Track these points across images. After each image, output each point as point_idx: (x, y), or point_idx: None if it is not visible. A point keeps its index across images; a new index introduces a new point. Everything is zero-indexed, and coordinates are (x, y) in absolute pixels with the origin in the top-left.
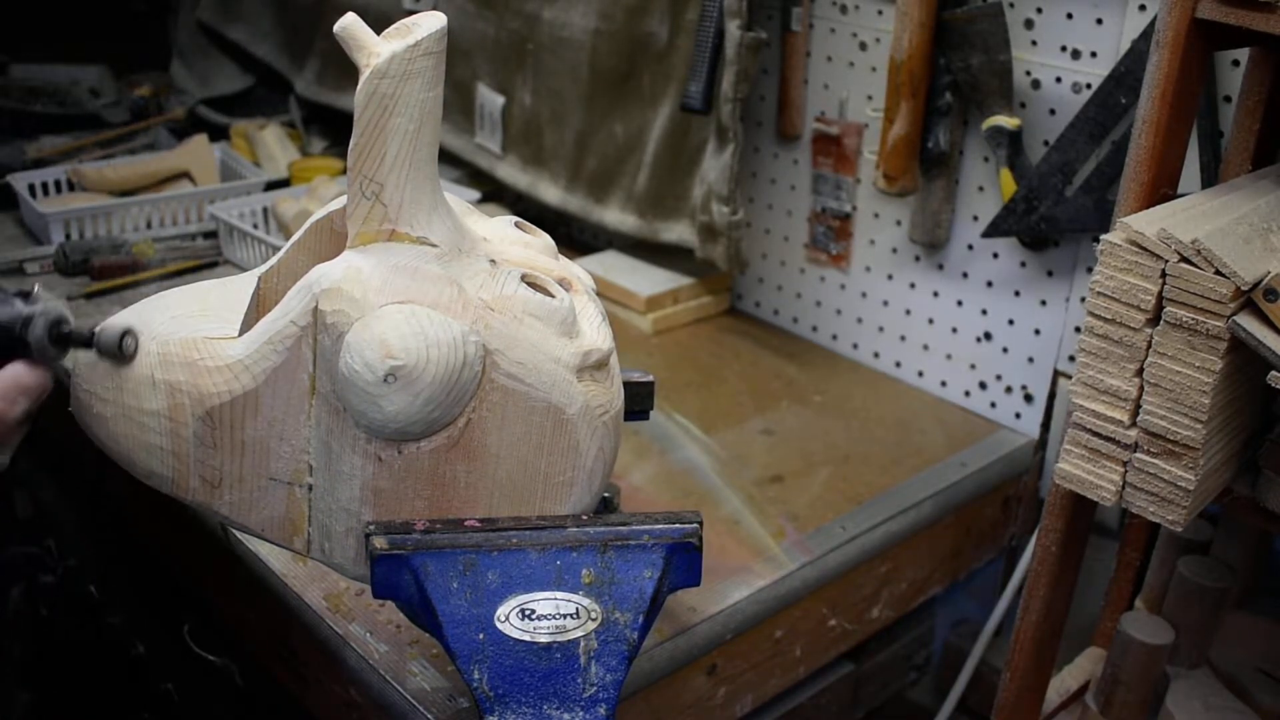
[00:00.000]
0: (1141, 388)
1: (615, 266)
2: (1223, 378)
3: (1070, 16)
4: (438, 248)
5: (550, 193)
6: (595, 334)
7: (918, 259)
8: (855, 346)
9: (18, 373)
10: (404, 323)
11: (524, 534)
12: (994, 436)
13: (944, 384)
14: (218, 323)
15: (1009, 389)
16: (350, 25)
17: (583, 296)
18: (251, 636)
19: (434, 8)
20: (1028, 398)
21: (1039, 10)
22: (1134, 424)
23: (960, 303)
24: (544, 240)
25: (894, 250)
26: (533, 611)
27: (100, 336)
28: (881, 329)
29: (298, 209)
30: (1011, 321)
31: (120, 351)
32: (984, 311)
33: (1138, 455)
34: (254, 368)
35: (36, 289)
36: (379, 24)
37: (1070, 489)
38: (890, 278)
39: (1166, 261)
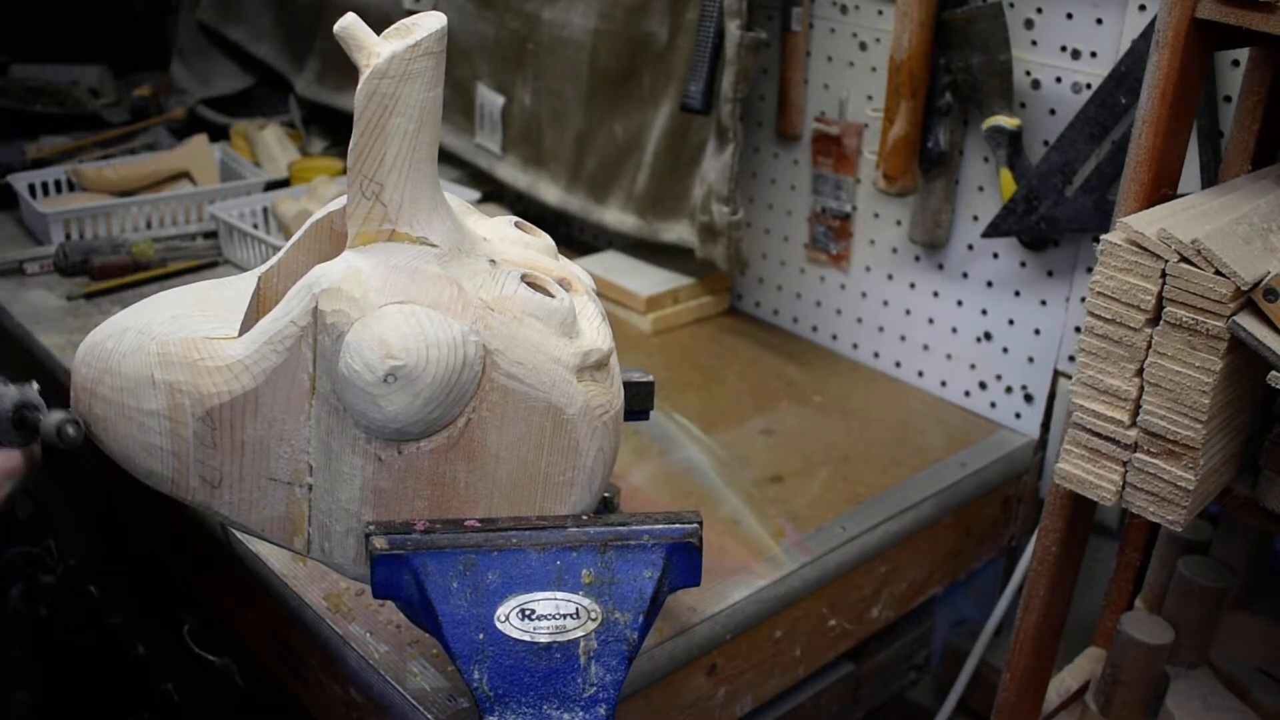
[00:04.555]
0: (1141, 388)
1: (615, 266)
2: (1223, 378)
3: (1070, 16)
4: (438, 248)
5: (550, 193)
6: (595, 334)
7: (918, 259)
8: (855, 346)
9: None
10: (404, 323)
11: (524, 534)
12: (994, 436)
13: (944, 384)
14: (218, 323)
15: (1009, 389)
16: (350, 25)
17: (583, 296)
18: (251, 636)
19: (434, 8)
20: (1028, 398)
21: (1039, 10)
22: (1134, 424)
23: (960, 303)
24: (544, 240)
25: (894, 250)
26: (533, 611)
27: (43, 426)
28: (881, 329)
29: (298, 209)
30: (1011, 321)
31: (59, 438)
32: (984, 311)
33: (1138, 455)
34: (254, 368)
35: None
36: (379, 24)
37: (1070, 489)
38: (890, 278)
39: (1166, 261)
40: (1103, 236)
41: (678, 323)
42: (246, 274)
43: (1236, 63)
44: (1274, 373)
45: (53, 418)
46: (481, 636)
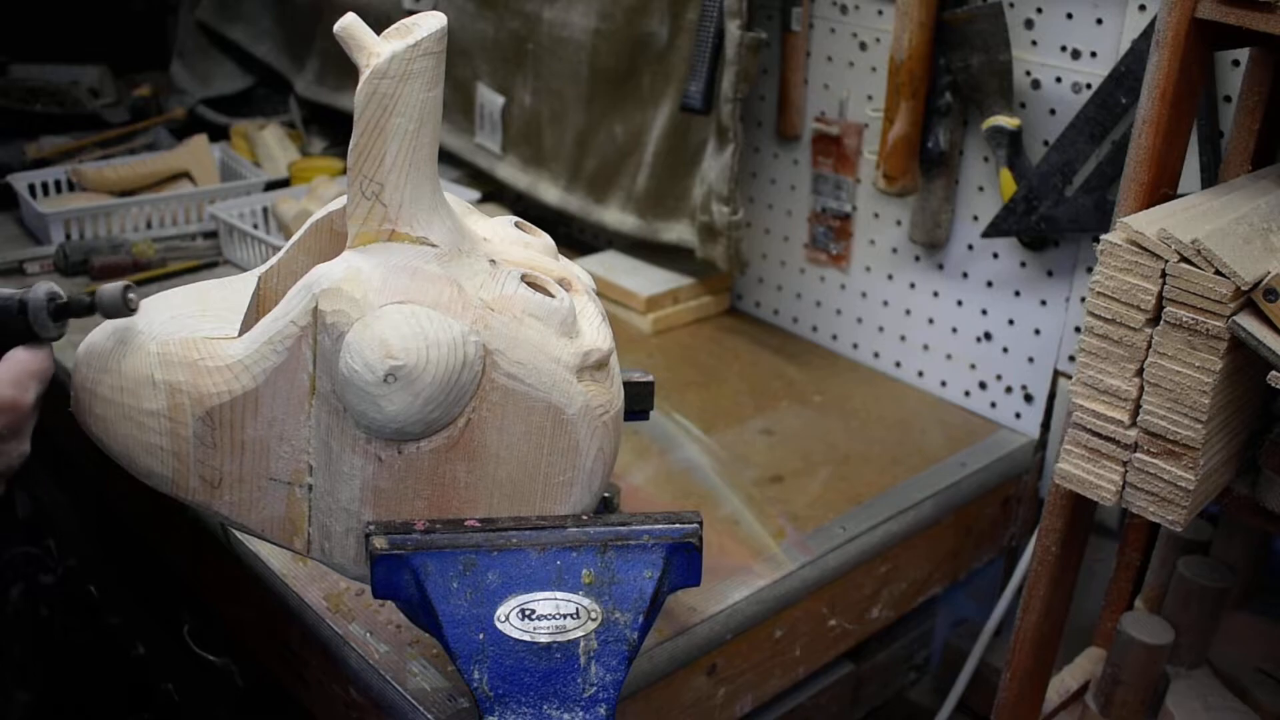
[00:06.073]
0: (1141, 388)
1: (615, 266)
2: (1223, 378)
3: (1070, 16)
4: (438, 248)
5: (550, 193)
6: (595, 334)
7: (918, 259)
8: (855, 346)
9: (24, 358)
10: (404, 323)
11: (524, 534)
12: (994, 436)
13: (944, 384)
14: (218, 323)
15: (1009, 389)
16: (350, 25)
17: (583, 296)
18: (251, 636)
19: (434, 8)
20: (1028, 398)
21: (1039, 10)
22: (1134, 424)
23: (960, 303)
24: (544, 240)
25: (894, 250)
26: (533, 611)
27: (101, 298)
28: (881, 329)
29: (298, 209)
30: (1011, 321)
31: (126, 307)
32: (984, 311)
33: (1138, 455)
34: (254, 368)
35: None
36: (379, 24)
37: (1070, 489)
38: (890, 278)
39: (1166, 261)
40: (1103, 236)
41: (678, 323)
42: (246, 274)
43: (1236, 63)
44: (1274, 373)
45: (111, 289)
46: (481, 636)
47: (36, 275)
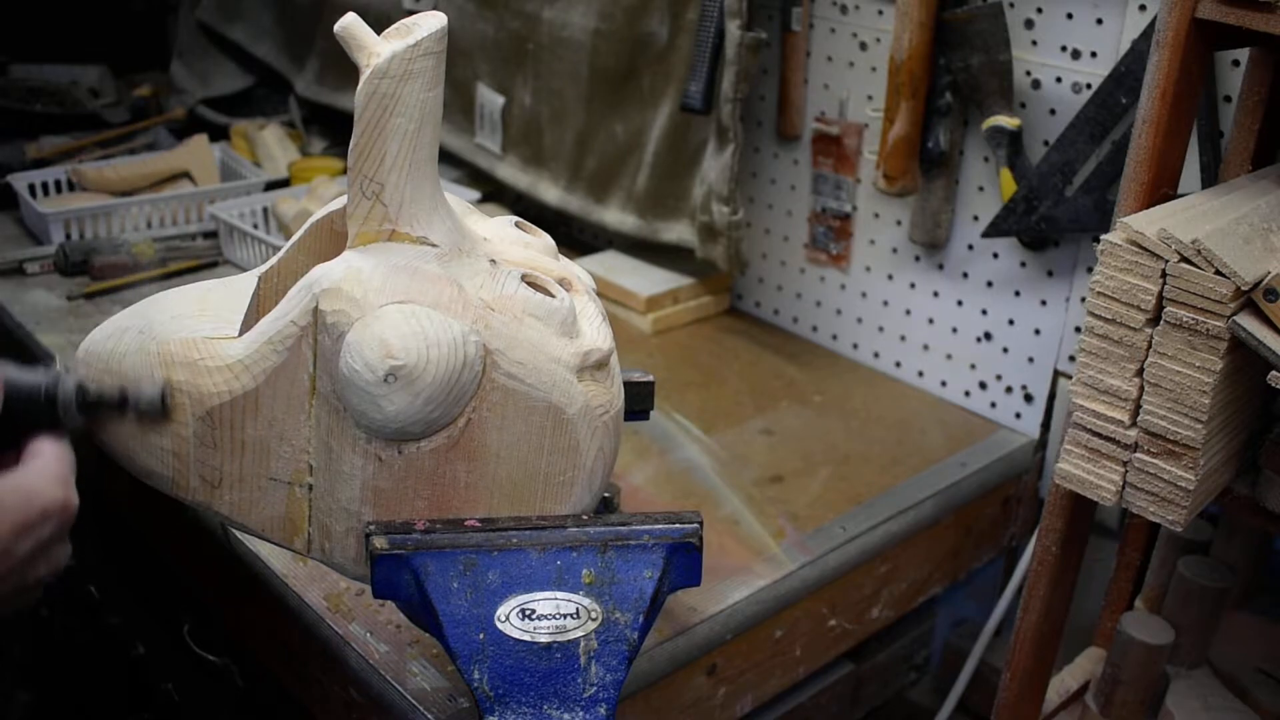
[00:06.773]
0: (1141, 388)
1: (615, 266)
2: (1223, 378)
3: (1070, 16)
4: (438, 248)
5: (550, 193)
6: (595, 334)
7: (918, 259)
8: (855, 346)
9: (58, 454)
10: (404, 323)
11: (524, 534)
12: (994, 436)
13: (944, 384)
14: (218, 323)
15: (1009, 389)
16: (350, 25)
17: (583, 296)
18: (251, 636)
19: (434, 8)
20: (1028, 398)
21: (1039, 10)
22: (1134, 424)
23: (960, 303)
24: (544, 240)
25: (894, 250)
26: (533, 611)
27: (139, 400)
28: (881, 329)
29: (298, 209)
30: (1011, 321)
31: (164, 409)
32: (984, 311)
33: (1138, 455)
34: (254, 368)
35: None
36: (379, 24)
37: (1070, 489)
38: (890, 278)
39: (1167, 261)
40: (1103, 236)
41: (678, 323)
42: (246, 274)
43: (1236, 63)
44: (1274, 373)
45: (149, 391)
46: (481, 636)
47: (36, 275)
